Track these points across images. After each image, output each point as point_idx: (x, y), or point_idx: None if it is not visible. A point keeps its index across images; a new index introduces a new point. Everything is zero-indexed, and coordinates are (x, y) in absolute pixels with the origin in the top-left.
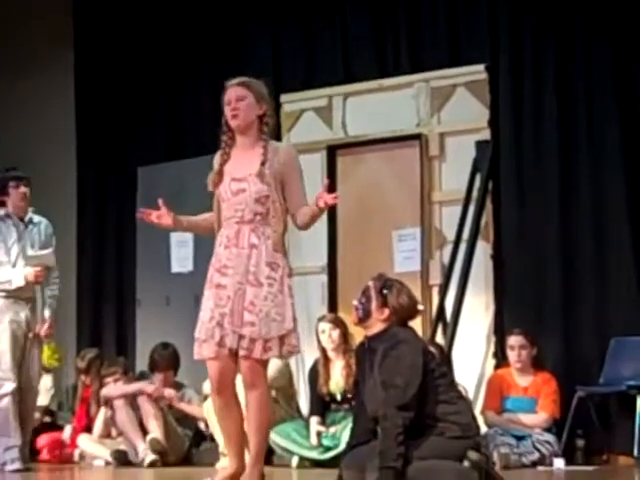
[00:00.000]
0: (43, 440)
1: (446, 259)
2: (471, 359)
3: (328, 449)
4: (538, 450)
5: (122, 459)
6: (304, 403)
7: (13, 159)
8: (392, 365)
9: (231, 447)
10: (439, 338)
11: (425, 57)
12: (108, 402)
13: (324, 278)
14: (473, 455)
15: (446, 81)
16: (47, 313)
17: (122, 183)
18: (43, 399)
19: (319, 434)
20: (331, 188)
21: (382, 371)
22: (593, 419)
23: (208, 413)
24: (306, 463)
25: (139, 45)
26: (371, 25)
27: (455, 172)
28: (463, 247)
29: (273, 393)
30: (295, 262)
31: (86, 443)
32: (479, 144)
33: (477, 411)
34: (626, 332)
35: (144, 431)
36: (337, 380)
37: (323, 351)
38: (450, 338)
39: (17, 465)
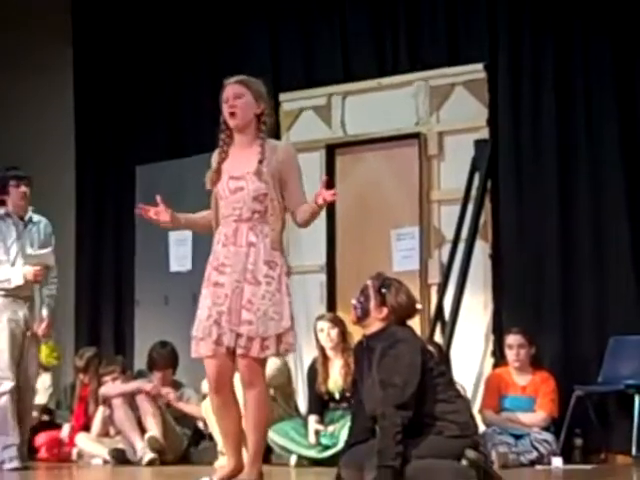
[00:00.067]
0: (41, 439)
1: (445, 258)
2: (469, 358)
3: (326, 448)
4: (536, 449)
5: (120, 458)
6: (302, 402)
7: (12, 157)
8: (390, 364)
9: (229, 446)
10: (438, 337)
11: (424, 56)
12: (106, 401)
13: (323, 277)
14: (471, 454)
15: (445, 80)
16: (45, 312)
17: (121, 182)
18: (41, 398)
19: (317, 433)
20: (330, 185)
21: (380, 370)
22: (591, 418)
23: (206, 412)
24: (304, 462)
25: (138, 44)
26: (370, 24)
27: (454, 171)
28: (462, 246)
29: (271, 392)
30: (294, 261)
31: (84, 442)
32: (478, 143)
33: (475, 410)
34: (625, 331)
35: (142, 430)
36: (335, 379)
37: (322, 350)
38: (448, 337)
39: (15, 464)
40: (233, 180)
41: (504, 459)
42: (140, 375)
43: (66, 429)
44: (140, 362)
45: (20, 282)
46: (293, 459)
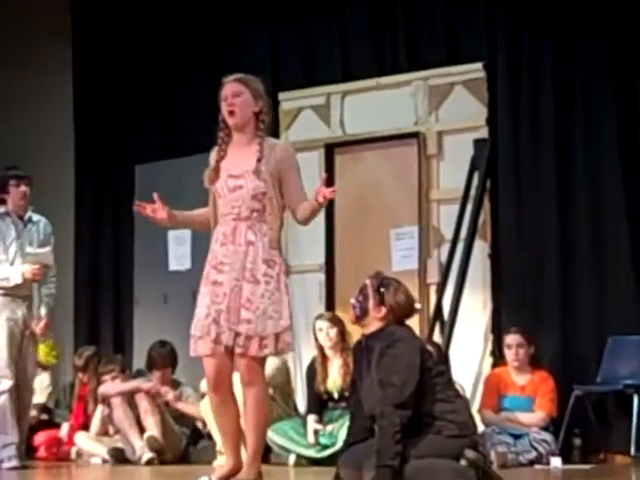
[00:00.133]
0: (40, 438)
1: (444, 257)
2: (468, 358)
3: (325, 447)
4: (535, 449)
5: (119, 457)
6: (301, 401)
7: (11, 156)
8: (389, 363)
9: (228, 445)
10: (436, 337)
11: (423, 55)
12: (105, 400)
13: (322, 276)
14: (470, 454)
15: (444, 79)
16: (43, 311)
17: (120, 181)
18: (40, 397)
19: (316, 432)
20: (329, 182)
21: (379, 369)
22: (590, 418)
23: (205, 411)
24: (303, 461)
25: (137, 42)
26: (369, 23)
27: (453, 170)
28: (461, 245)
29: (270, 391)
30: (293, 260)
31: (83, 441)
32: (477, 142)
33: (474, 410)
34: (624, 331)
35: (141, 429)
36: (334, 378)
37: (320, 349)
38: (447, 337)
39: (14, 463)
40: (232, 178)
41: (503, 459)
42: (139, 374)
43: (65, 428)
44: (139, 361)
45: (19, 281)
46: (292, 458)
